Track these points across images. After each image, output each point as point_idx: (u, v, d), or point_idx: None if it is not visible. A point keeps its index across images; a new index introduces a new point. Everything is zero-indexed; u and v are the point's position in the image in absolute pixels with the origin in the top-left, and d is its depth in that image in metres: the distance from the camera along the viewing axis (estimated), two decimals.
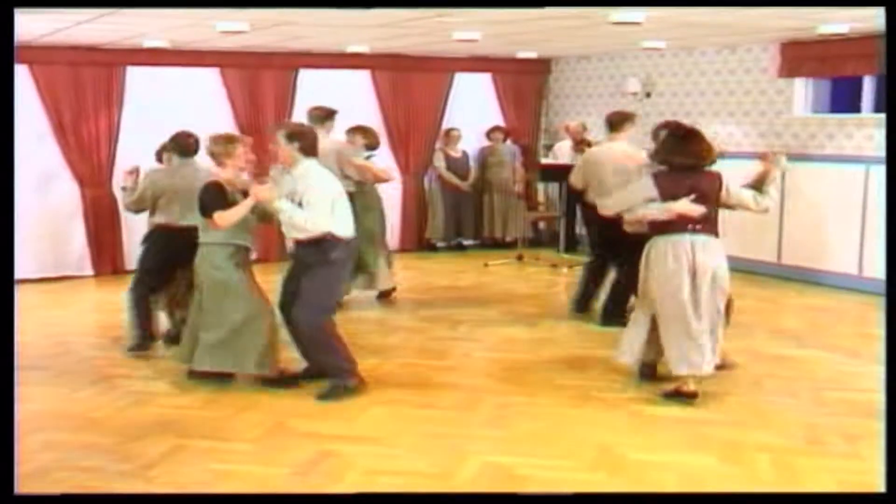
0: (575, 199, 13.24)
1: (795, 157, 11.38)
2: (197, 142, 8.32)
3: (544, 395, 7.29)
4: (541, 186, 14.66)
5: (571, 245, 13.72)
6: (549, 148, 14.63)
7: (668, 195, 6.82)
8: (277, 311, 7.36)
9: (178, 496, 5.33)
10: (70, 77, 11.66)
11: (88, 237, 11.96)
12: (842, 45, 10.58)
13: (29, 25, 9.02)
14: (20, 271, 11.40)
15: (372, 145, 10.23)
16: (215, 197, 7.06)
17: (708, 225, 6.89)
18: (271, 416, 6.74)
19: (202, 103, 12.26)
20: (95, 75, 11.80)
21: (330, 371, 7.23)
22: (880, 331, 8.81)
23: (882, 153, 10.48)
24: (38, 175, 11.73)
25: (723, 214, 7.10)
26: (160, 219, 8.36)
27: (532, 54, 13.80)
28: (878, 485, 5.49)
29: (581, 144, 12.82)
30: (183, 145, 8.35)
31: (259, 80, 12.78)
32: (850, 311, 10.03)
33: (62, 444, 6.29)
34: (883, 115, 10.72)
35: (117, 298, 9.78)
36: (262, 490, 5.51)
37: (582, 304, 9.84)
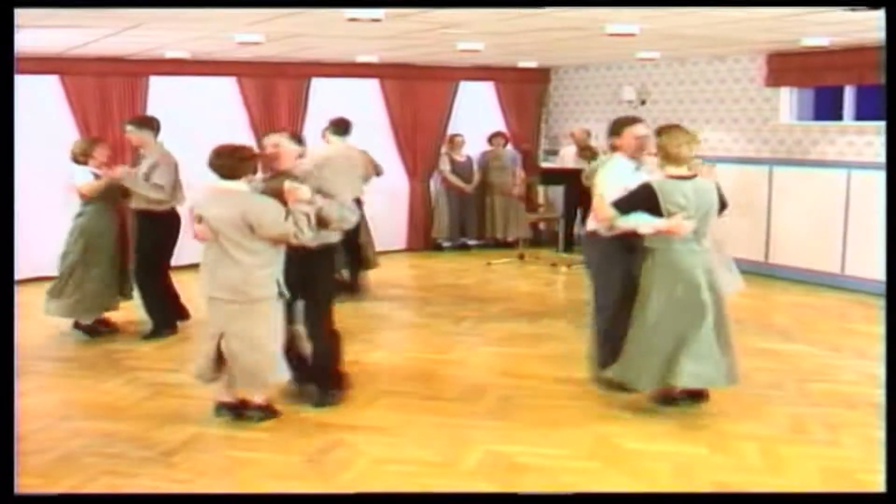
0: (579, 200, 13.30)
1: (781, 163, 11.41)
2: None
3: (544, 388, 7.30)
4: (541, 189, 14.68)
5: (570, 245, 13.71)
6: (551, 153, 14.67)
7: None
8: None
9: (178, 496, 5.30)
10: (97, 87, 11.67)
11: None
12: (824, 57, 10.60)
13: (59, 38, 9.05)
14: (51, 269, 11.45)
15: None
16: None
17: None
18: (285, 407, 6.75)
19: (220, 111, 12.29)
20: (120, 85, 11.82)
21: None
22: (861, 326, 8.86)
23: (862, 159, 10.50)
24: (66, 179, 11.75)
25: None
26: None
27: (532, 64, 13.80)
28: (857, 470, 5.53)
29: (585, 150, 12.84)
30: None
31: (274, 89, 12.79)
32: (832, 308, 10.02)
33: (89, 431, 6.34)
34: (863, 124, 10.75)
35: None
36: (277, 476, 5.54)
37: None
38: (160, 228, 8.72)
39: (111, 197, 8.73)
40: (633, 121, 7.07)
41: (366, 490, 5.36)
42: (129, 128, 8.95)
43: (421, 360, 8.12)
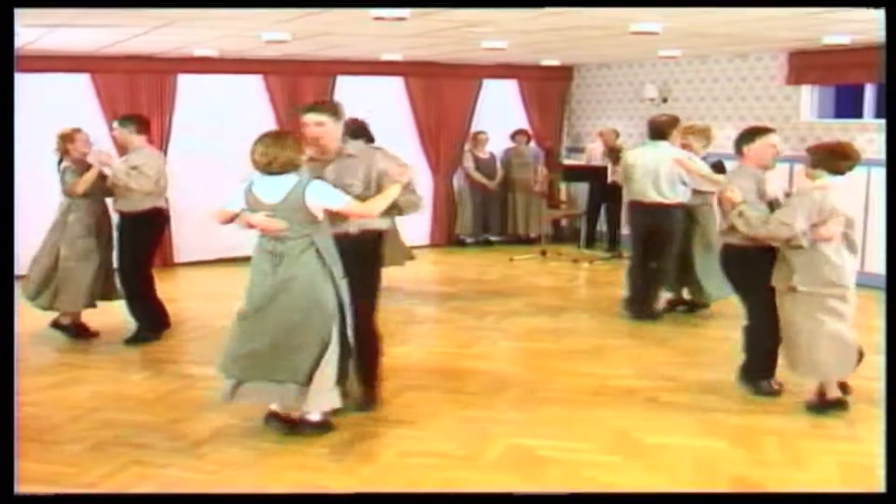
0: (602, 197, 13.31)
1: (802, 160, 11.33)
2: None
3: (566, 382, 7.30)
4: (563, 186, 14.68)
5: (592, 241, 13.72)
6: (573, 150, 14.68)
7: None
8: None
9: (177, 496, 5.26)
10: (126, 84, 11.74)
11: None
12: (845, 55, 10.53)
13: (90, 37, 9.10)
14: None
15: None
16: None
17: None
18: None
19: (246, 108, 12.34)
20: (149, 82, 11.89)
21: None
22: (880, 322, 8.78)
23: (882, 156, 10.42)
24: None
25: None
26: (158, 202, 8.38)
27: (555, 62, 13.78)
28: (875, 465, 5.49)
29: (613, 151, 12.83)
30: None
31: (300, 86, 12.82)
32: None
33: (119, 422, 6.38)
34: (883, 121, 10.67)
35: (169, 288, 9.89)
36: (302, 468, 5.57)
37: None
38: (144, 228, 8.31)
39: (99, 193, 8.34)
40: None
41: (389, 482, 5.39)
42: (114, 125, 8.74)
43: (444, 355, 8.13)
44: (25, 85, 10.75)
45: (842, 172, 6.38)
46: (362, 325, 6.13)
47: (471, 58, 12.54)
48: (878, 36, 8.82)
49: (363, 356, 6.24)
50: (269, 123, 12.53)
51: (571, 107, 15.07)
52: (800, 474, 5.51)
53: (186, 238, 12.36)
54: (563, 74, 14.78)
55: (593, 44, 10.49)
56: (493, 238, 14.47)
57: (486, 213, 14.30)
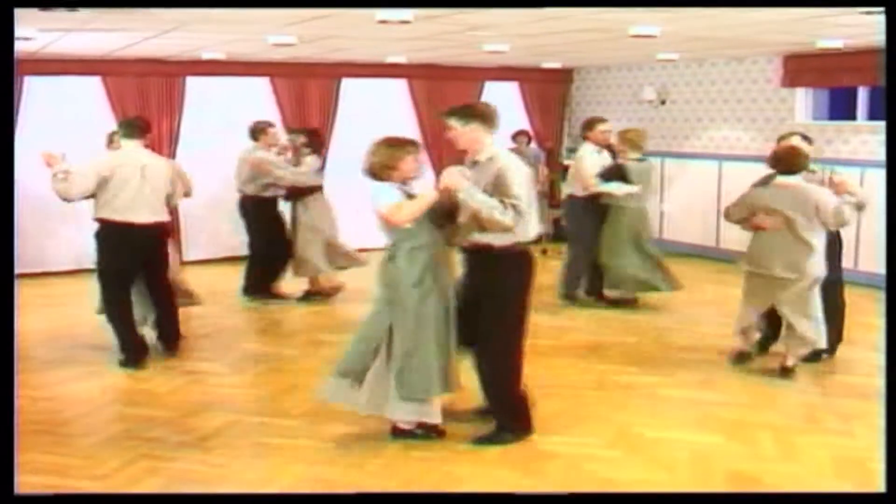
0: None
1: None
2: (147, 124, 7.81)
3: (567, 378, 7.33)
4: (563, 186, 14.69)
5: None
6: (573, 151, 14.65)
7: None
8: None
9: (176, 496, 5.24)
10: (137, 87, 11.77)
11: None
12: (839, 59, 10.55)
13: (102, 41, 9.13)
14: (92, 262, 11.54)
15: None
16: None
17: None
18: (315, 396, 6.77)
19: (253, 109, 12.36)
20: (159, 85, 11.91)
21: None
22: (874, 320, 8.81)
23: (875, 157, 10.45)
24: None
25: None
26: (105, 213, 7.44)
27: (556, 64, 13.81)
28: (868, 459, 5.53)
29: (611, 149, 12.83)
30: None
31: (305, 88, 12.85)
32: (846, 303, 9.96)
33: (130, 416, 6.42)
34: (876, 123, 10.70)
35: None
36: (308, 462, 5.60)
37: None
38: (99, 244, 7.60)
39: None
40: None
41: (394, 476, 5.42)
42: None
43: None
44: (40, 87, 10.88)
45: (791, 172, 7.09)
46: (483, 358, 5.92)
47: (473, 60, 12.56)
48: (871, 40, 8.87)
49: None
50: (275, 124, 12.57)
51: (572, 108, 15.09)
52: (794, 468, 5.53)
53: (194, 236, 12.41)
54: (564, 77, 14.80)
55: (593, 46, 10.52)
56: None
57: None
